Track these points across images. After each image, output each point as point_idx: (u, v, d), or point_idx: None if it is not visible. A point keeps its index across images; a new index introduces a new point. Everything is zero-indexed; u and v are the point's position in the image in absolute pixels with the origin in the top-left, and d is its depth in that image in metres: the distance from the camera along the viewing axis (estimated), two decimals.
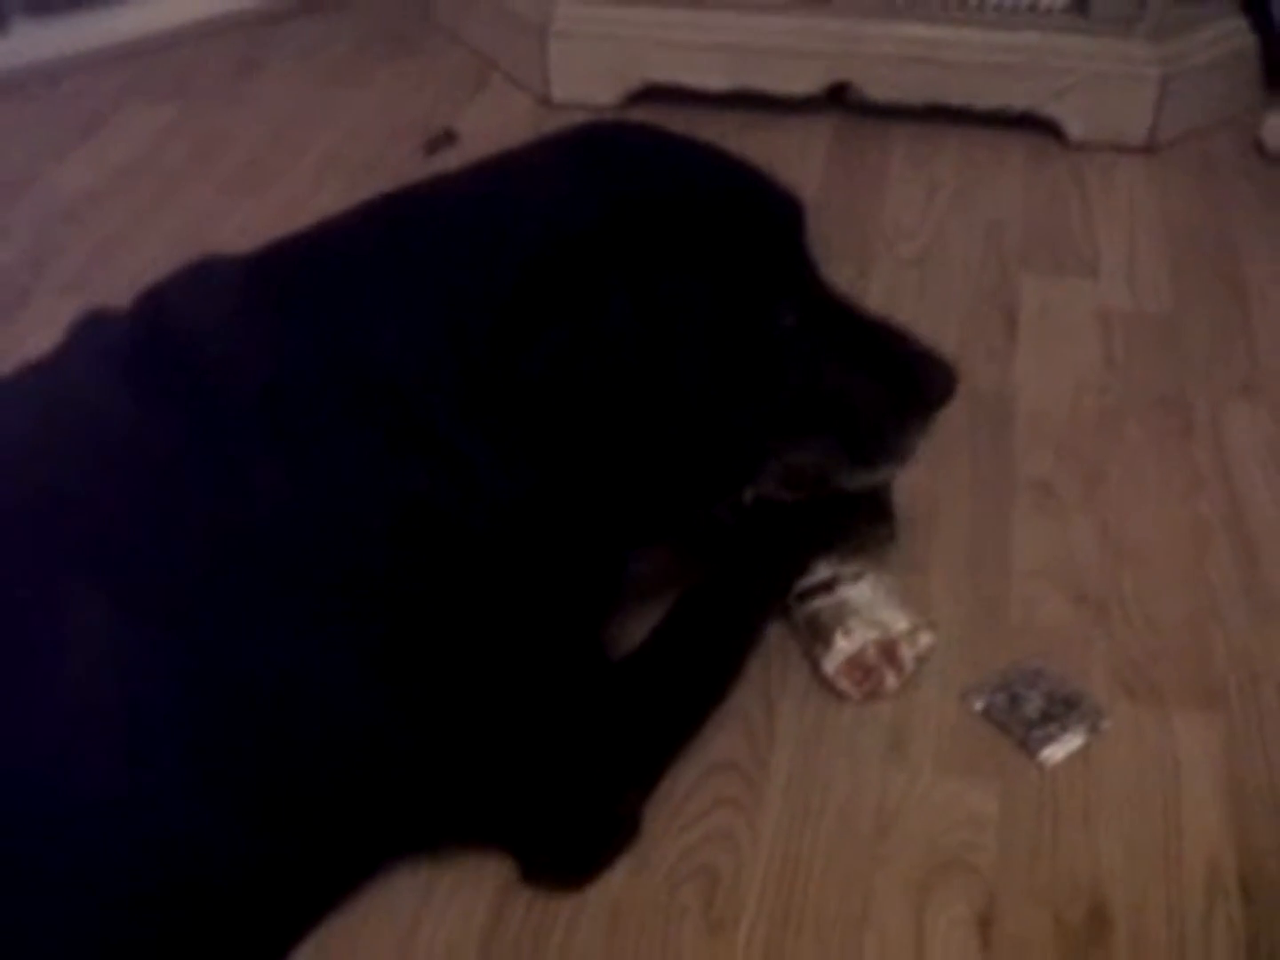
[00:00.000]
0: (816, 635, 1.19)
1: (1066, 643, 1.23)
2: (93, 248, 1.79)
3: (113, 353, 1.01)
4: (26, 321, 1.63)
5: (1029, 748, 1.14)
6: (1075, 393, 1.53)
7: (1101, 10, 1.93)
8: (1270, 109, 1.98)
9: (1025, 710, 1.16)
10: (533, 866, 1.05)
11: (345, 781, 0.96)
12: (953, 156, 1.98)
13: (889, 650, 1.18)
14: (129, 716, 0.89)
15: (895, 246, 1.79)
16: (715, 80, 2.04)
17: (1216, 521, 1.36)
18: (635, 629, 1.16)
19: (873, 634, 1.17)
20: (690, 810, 1.10)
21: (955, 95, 2.00)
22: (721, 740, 1.15)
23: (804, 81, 2.03)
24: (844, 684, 1.18)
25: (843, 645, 1.17)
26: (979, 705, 1.17)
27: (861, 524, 1.26)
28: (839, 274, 1.16)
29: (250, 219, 1.81)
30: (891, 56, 1.99)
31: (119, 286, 1.10)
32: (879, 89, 2.01)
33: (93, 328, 1.06)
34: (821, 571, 1.22)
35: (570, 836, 1.06)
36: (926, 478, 1.34)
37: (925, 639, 1.20)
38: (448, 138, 2.00)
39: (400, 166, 1.86)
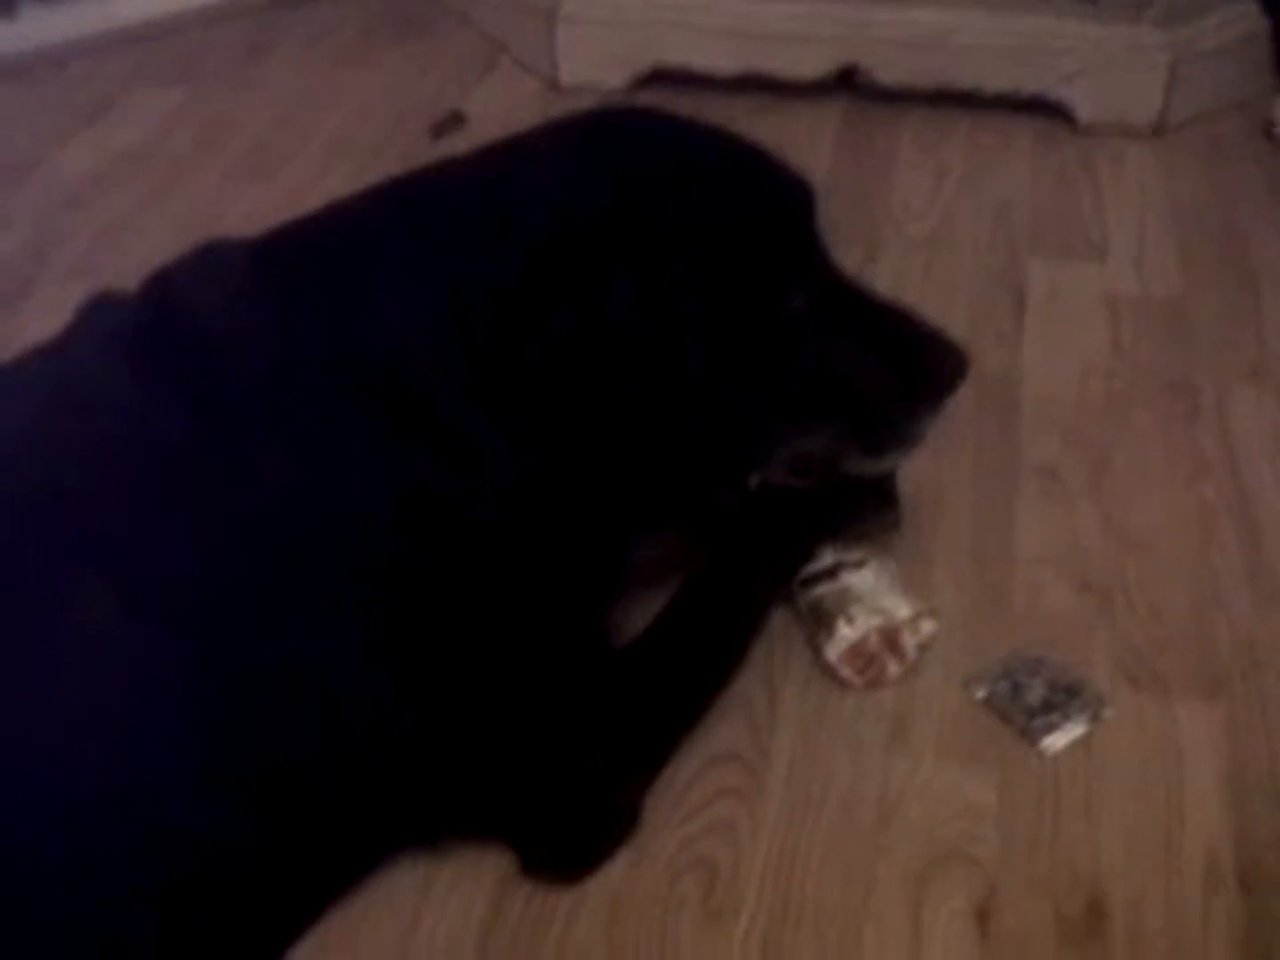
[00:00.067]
0: (819, 622, 1.19)
1: (1069, 631, 1.23)
2: (98, 233, 1.79)
3: (119, 336, 1.01)
4: (30, 309, 1.62)
5: (1030, 736, 1.13)
6: (1082, 377, 1.52)
7: None
8: None
9: (1027, 698, 1.16)
10: (532, 859, 1.05)
11: (347, 772, 0.96)
12: (961, 140, 1.97)
13: (891, 638, 1.18)
14: (130, 709, 0.89)
15: (904, 230, 1.79)
16: (724, 64, 2.03)
17: (1221, 508, 1.36)
18: (639, 615, 1.16)
19: (875, 621, 1.17)
20: (691, 801, 1.10)
21: (964, 79, 1.99)
22: (724, 729, 1.15)
23: (813, 65, 2.02)
24: (846, 671, 1.18)
25: (845, 632, 1.17)
26: (981, 693, 1.17)
27: (867, 510, 1.26)
28: (848, 258, 1.16)
29: (257, 203, 1.80)
30: (900, 40, 1.98)
31: (125, 272, 1.09)
32: (888, 73, 2.01)
33: (99, 311, 1.06)
34: (825, 558, 1.22)
35: (570, 828, 1.05)
36: (931, 463, 1.33)
37: (927, 626, 1.20)
38: (455, 121, 2.00)
39: (408, 150, 1.86)
